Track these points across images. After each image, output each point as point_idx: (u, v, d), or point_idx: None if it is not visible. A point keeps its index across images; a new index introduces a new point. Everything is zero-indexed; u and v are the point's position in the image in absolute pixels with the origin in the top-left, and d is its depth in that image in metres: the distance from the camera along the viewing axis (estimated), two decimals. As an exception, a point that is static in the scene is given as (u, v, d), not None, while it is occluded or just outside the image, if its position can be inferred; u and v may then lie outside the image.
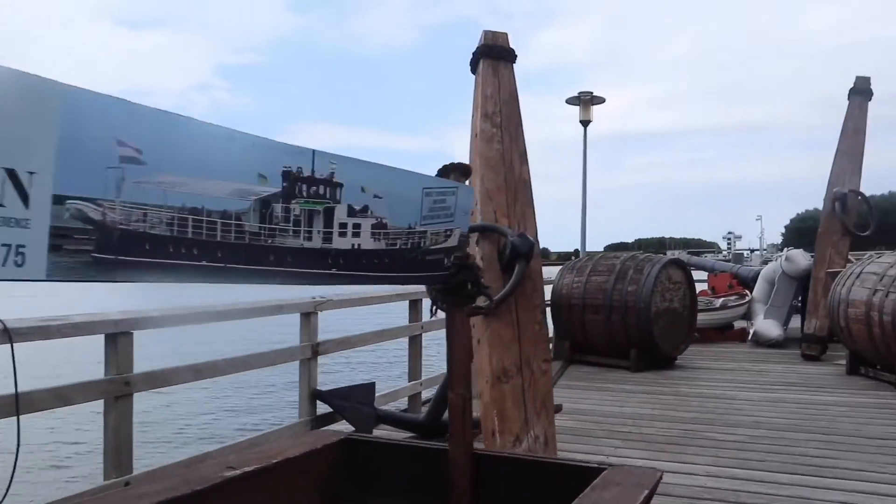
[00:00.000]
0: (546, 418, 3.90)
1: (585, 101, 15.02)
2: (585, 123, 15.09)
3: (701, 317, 13.27)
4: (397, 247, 2.30)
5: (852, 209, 12.08)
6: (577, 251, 15.56)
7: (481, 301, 2.81)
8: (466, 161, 4.99)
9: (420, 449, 2.98)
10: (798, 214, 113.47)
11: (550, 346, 11.71)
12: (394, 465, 2.92)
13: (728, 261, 40.87)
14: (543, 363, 4.08)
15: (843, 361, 10.05)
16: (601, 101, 15.19)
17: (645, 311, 10.08)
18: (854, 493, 5.09)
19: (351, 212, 2.15)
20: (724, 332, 13.69)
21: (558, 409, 6.79)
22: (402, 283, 2.57)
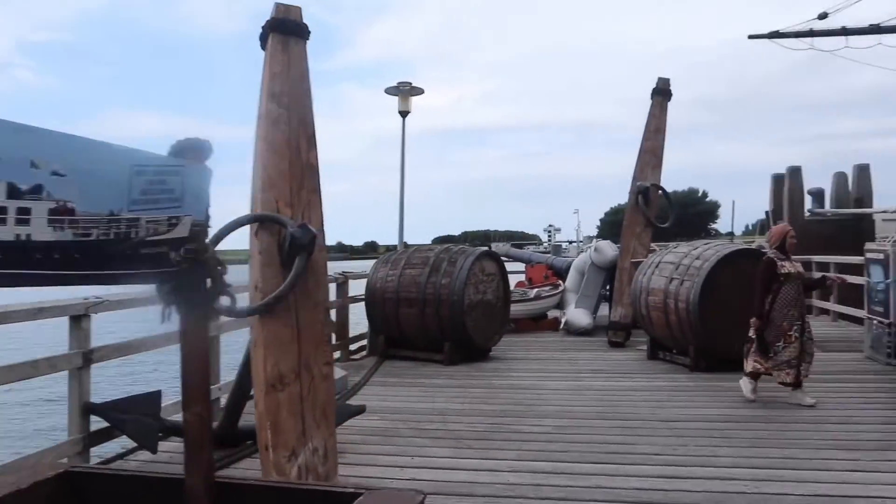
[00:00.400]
0: (327, 428, 3.53)
1: (404, 91, 14.81)
2: (404, 114, 14.89)
3: (516, 307, 13.48)
4: (92, 237, 1.83)
5: (654, 202, 12.71)
6: (404, 244, 15.40)
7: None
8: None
9: (154, 480, 2.50)
10: (611, 208, 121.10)
11: (365, 341, 11.42)
12: (124, 499, 2.43)
13: (547, 252, 42.59)
14: (325, 366, 3.70)
15: (645, 347, 10.49)
16: (420, 91, 15.04)
17: (458, 304, 9.99)
18: (649, 477, 5.16)
19: (13, 193, 1.65)
20: (538, 322, 14.01)
21: (361, 409, 6.46)
22: (103, 283, 2.06)
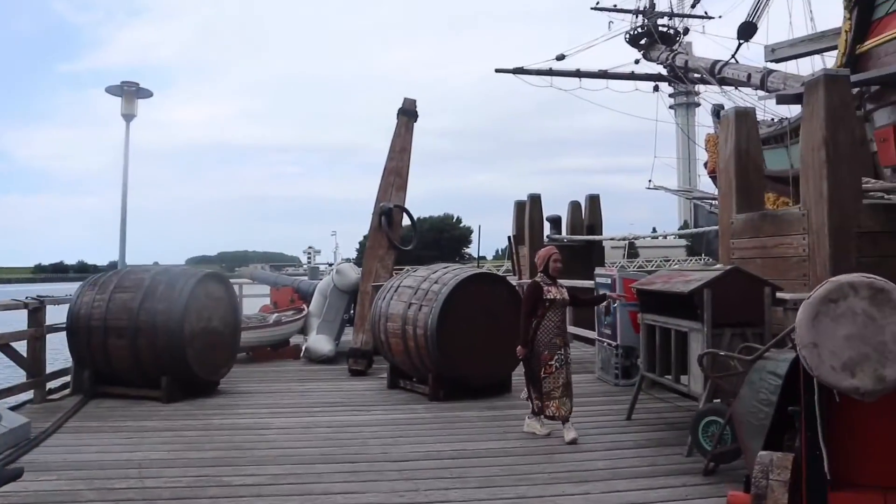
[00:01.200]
0: None
1: (129, 92, 13.25)
2: (128, 118, 13.29)
3: (252, 335, 12.49)
4: None
5: (397, 224, 12.40)
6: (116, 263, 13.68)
7: None
8: None
9: None
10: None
11: (69, 377, 9.80)
12: None
13: (305, 275, 41.51)
14: None
15: (386, 375, 10.00)
16: (148, 94, 13.55)
17: (177, 333, 8.81)
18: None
19: None
20: (277, 350, 13.07)
21: (18, 474, 5.17)
22: None
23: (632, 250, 42.43)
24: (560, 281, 7.03)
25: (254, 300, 20.45)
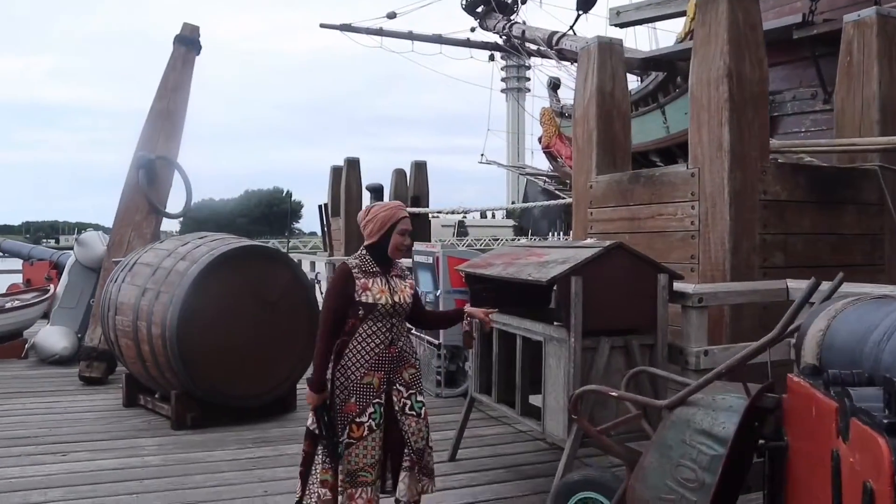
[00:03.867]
0: None
1: None
2: None
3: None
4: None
5: (163, 182, 9.45)
6: None
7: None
8: None
9: None
10: (196, 202, 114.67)
11: None
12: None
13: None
14: None
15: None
16: None
17: None
18: None
19: None
20: (-3, 346, 9.72)
21: None
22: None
23: (461, 229, 40.96)
24: (404, 265, 3.68)
25: (6, 277, 16.58)
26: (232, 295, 6.05)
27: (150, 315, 5.99)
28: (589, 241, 4.72)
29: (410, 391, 3.39)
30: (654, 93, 13.45)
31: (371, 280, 3.32)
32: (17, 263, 15.69)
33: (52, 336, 9.22)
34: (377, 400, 3.30)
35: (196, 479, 4.82)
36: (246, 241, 6.57)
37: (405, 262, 3.41)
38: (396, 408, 3.33)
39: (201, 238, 6.63)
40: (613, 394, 2.74)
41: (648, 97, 13.59)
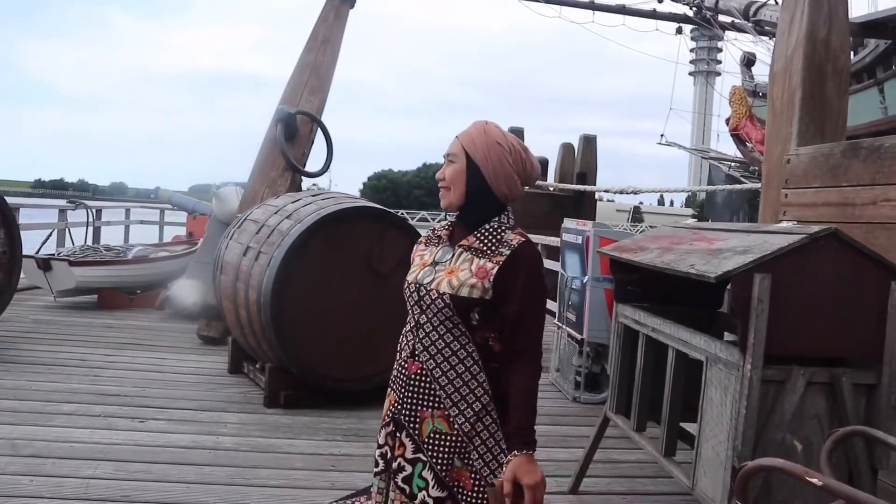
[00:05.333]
0: None
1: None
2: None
3: (98, 273, 9.14)
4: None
5: (303, 139, 8.88)
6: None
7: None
8: None
9: None
10: (375, 172, 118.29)
11: None
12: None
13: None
14: None
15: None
16: None
17: None
18: None
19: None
20: (134, 296, 9.68)
21: None
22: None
23: (636, 215, 38.46)
24: (512, 238, 2.02)
25: (174, 229, 17.21)
26: (339, 262, 5.25)
27: (249, 277, 5.33)
28: (785, 224, 3.39)
29: (417, 456, 2.01)
30: (870, 66, 11.31)
31: (427, 249, 2.15)
32: (184, 216, 16.17)
33: (185, 289, 8.99)
34: (381, 440, 2.13)
35: (261, 474, 4.06)
36: (361, 202, 5.75)
37: (511, 237, 2.01)
38: (392, 466, 2.06)
39: (314, 195, 5.89)
40: (814, 480, 1.57)
41: (863, 72, 11.46)
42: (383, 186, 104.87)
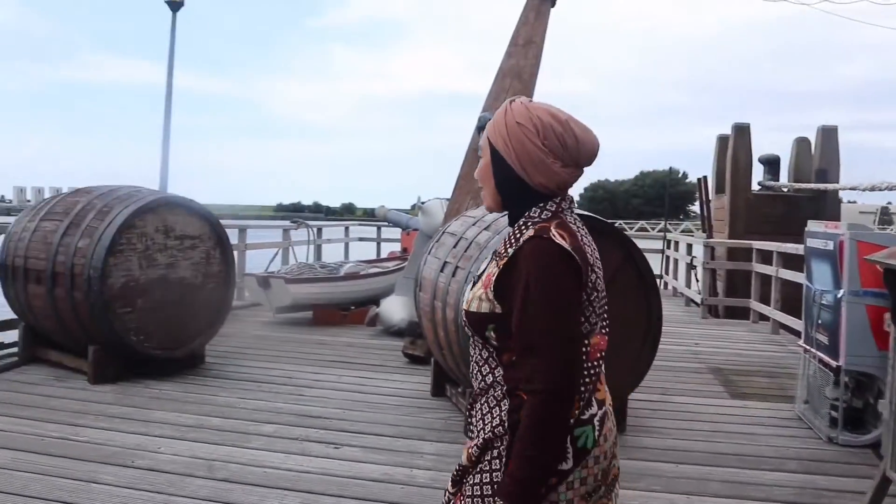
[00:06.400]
0: None
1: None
2: (175, 6, 10.56)
3: (313, 290, 9.37)
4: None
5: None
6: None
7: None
8: None
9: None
10: (591, 183, 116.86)
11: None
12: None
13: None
14: None
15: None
16: None
17: (97, 283, 5.73)
18: None
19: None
20: (348, 313, 9.80)
21: None
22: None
23: (885, 216, 33.83)
24: (523, 231, 1.66)
25: (391, 245, 17.67)
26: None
27: (446, 295, 4.96)
28: None
29: (455, 488, 1.70)
30: None
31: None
32: (398, 233, 16.51)
33: (393, 306, 8.93)
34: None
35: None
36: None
37: (529, 233, 1.73)
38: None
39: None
40: None
41: None
42: (600, 197, 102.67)
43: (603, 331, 1.65)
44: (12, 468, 4.07)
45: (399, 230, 15.89)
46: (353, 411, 5.47)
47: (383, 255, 16.54)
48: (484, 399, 1.64)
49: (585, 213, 5.17)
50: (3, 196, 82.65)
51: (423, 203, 9.44)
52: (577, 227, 1.64)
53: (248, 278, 9.54)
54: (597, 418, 1.59)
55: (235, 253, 11.05)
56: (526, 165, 1.59)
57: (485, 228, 4.97)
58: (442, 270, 5.14)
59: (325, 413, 5.38)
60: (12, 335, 7.14)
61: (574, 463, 1.55)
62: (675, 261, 15.61)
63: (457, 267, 4.92)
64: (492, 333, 1.60)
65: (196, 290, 6.51)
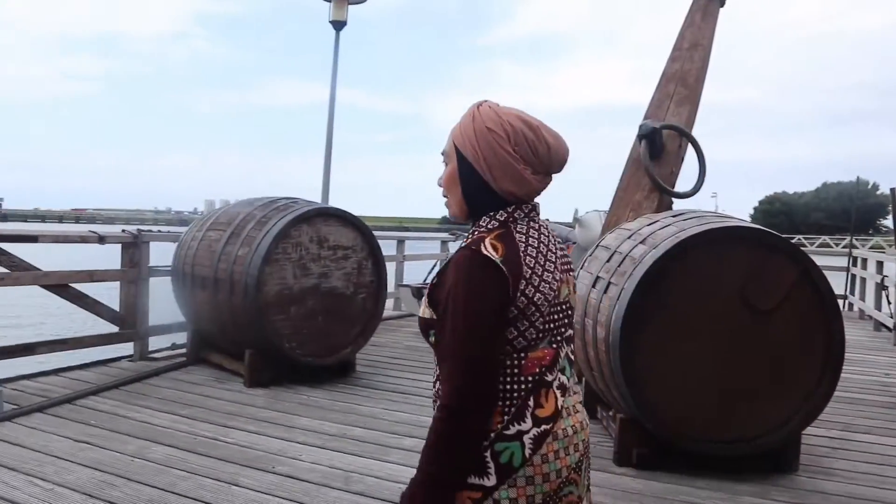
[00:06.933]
0: None
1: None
2: (338, 25, 10.87)
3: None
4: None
5: (671, 156, 7.97)
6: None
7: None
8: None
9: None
10: (766, 196, 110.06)
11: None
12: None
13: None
14: None
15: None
16: (360, -1, 10.98)
17: (252, 290, 5.91)
18: None
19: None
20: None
21: None
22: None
23: None
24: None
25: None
26: (705, 296, 4.29)
27: (597, 312, 4.63)
28: None
29: None
30: None
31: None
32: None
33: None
34: None
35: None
36: (733, 221, 4.68)
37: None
38: None
39: (676, 216, 4.99)
40: None
41: None
42: (776, 210, 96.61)
43: (553, 345, 1.57)
44: (164, 464, 4.22)
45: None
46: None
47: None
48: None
49: (753, 225, 4.68)
50: (195, 209, 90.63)
51: (580, 216, 9.10)
52: (533, 237, 1.57)
53: (403, 289, 9.61)
54: (528, 436, 1.50)
55: (394, 264, 11.28)
56: (495, 172, 1.54)
57: (640, 242, 4.59)
58: (594, 286, 4.82)
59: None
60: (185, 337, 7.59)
61: (498, 480, 1.48)
62: (863, 280, 14.13)
63: (609, 283, 4.58)
64: (432, 339, 1.58)
65: (347, 300, 6.58)
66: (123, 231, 7.17)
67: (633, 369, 4.28)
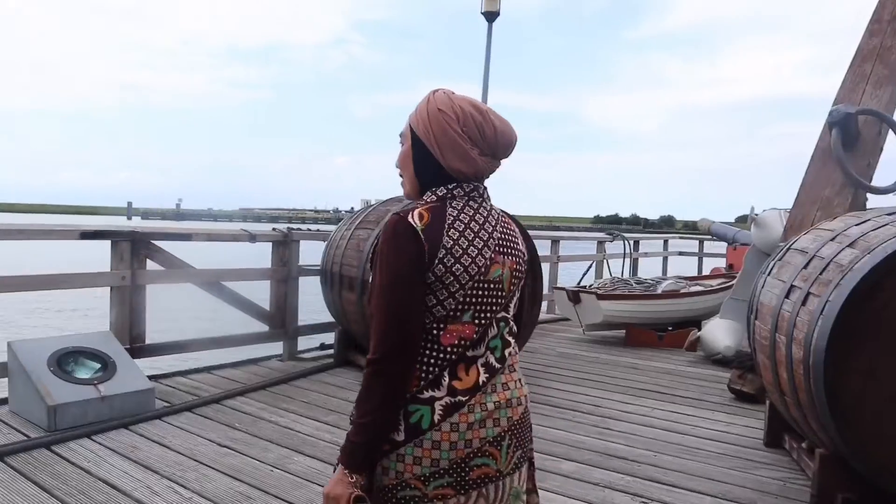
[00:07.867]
0: None
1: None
2: (490, 16, 10.49)
3: (625, 308, 8.65)
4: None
5: (868, 145, 6.96)
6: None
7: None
8: None
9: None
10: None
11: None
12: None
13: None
14: None
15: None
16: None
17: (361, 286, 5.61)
18: None
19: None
20: (662, 336, 8.83)
21: None
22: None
23: None
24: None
25: (714, 261, 16.25)
26: (932, 310, 3.48)
27: (792, 327, 3.91)
28: None
29: None
30: None
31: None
32: (723, 247, 15.06)
33: (717, 331, 7.83)
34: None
35: None
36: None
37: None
38: None
39: (892, 213, 4.14)
40: None
41: None
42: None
43: (477, 321, 1.63)
44: (304, 477, 3.98)
45: (724, 245, 14.48)
46: (665, 455, 4.64)
47: (705, 271, 15.22)
48: None
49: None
50: (352, 207, 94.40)
51: (756, 214, 8.18)
52: (467, 214, 1.63)
53: (558, 292, 9.08)
54: (439, 402, 1.57)
55: (548, 265, 10.76)
56: (444, 150, 1.64)
57: (848, 245, 3.82)
58: (787, 296, 4.09)
59: (631, 454, 4.62)
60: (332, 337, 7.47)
61: (405, 437, 1.57)
62: None
63: (808, 293, 3.84)
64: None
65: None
66: (274, 229, 7.13)
67: (840, 397, 3.54)
